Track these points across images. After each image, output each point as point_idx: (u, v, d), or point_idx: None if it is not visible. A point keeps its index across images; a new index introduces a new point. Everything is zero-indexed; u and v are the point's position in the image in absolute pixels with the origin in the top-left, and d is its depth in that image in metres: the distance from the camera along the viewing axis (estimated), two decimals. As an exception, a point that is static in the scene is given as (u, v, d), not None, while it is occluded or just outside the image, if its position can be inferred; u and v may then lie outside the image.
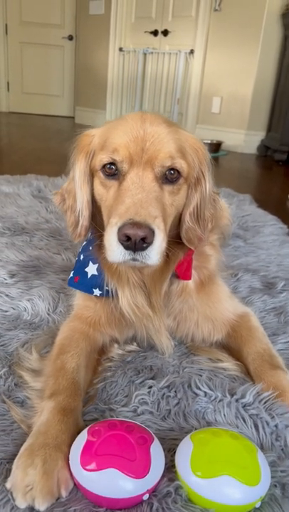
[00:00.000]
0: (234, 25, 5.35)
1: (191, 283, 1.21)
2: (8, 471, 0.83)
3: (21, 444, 0.87)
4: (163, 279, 1.12)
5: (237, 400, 1.02)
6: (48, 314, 1.43)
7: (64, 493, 0.79)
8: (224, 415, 0.98)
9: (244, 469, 0.76)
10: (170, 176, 0.99)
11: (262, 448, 0.92)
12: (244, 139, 5.61)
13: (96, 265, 1.17)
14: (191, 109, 6.06)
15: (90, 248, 1.18)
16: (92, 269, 1.18)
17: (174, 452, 0.86)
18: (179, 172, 1.00)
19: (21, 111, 7.85)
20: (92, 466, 0.77)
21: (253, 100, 5.45)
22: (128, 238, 0.88)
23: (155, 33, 6.22)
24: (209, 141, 5.34)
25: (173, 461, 0.84)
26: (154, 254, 0.92)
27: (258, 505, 0.78)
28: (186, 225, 1.09)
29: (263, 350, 1.18)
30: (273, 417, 0.97)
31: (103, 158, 1.00)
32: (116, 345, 1.24)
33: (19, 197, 2.67)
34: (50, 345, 1.22)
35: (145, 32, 6.31)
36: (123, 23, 6.52)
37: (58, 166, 3.31)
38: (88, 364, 1.12)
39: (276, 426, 0.96)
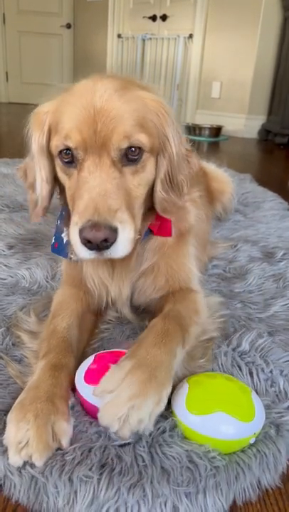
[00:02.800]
0: (233, 8, 5.29)
1: (170, 238, 1.15)
2: (6, 423, 0.83)
3: (17, 398, 0.87)
4: (132, 252, 1.00)
5: (234, 349, 1.02)
6: (47, 281, 1.43)
7: (64, 444, 0.79)
8: (221, 364, 0.98)
9: (238, 406, 0.77)
10: (131, 155, 0.92)
11: (257, 394, 0.92)
12: (244, 123, 5.58)
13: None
14: (190, 95, 6.02)
15: (63, 213, 1.14)
16: (65, 236, 1.16)
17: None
18: (140, 148, 0.92)
19: (21, 101, 7.81)
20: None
21: (253, 84, 5.41)
22: (89, 241, 0.85)
23: (153, 18, 6.17)
24: (209, 126, 5.31)
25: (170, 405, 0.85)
26: (121, 248, 0.88)
27: (252, 441, 0.79)
28: (160, 196, 1.02)
29: (179, 318, 1.02)
30: (268, 363, 0.98)
31: (58, 144, 0.93)
32: (113, 308, 1.24)
33: (18, 177, 2.65)
34: (48, 309, 1.21)
35: (144, 17, 6.25)
36: (121, 9, 6.47)
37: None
38: (82, 324, 1.11)
39: (271, 372, 0.97)
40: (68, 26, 7.57)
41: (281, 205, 2.45)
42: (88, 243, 0.86)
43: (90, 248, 0.87)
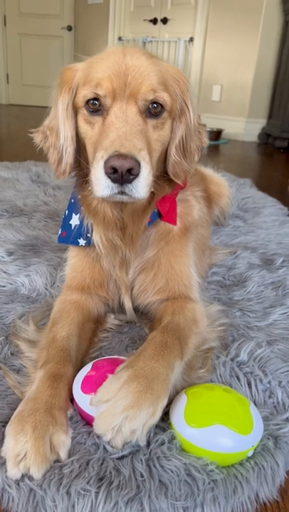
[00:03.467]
0: (234, 11, 5.30)
1: (175, 228, 1.20)
2: (4, 434, 0.83)
3: (16, 409, 0.87)
4: (144, 216, 1.11)
5: (232, 360, 1.02)
6: (46, 289, 1.43)
7: (63, 456, 0.79)
8: (220, 375, 0.98)
9: (236, 419, 0.77)
10: (153, 110, 0.99)
11: (255, 405, 0.93)
12: (244, 126, 5.58)
13: (78, 215, 1.19)
14: (191, 98, 6.01)
15: (72, 201, 1.19)
16: (75, 220, 1.20)
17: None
18: (162, 106, 1.00)
19: (21, 103, 7.82)
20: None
21: (254, 88, 5.40)
22: (115, 170, 0.88)
23: (154, 21, 6.17)
24: (209, 129, 5.31)
25: (168, 417, 0.85)
26: (141, 187, 0.92)
27: (250, 454, 0.79)
28: (173, 159, 1.09)
29: (178, 331, 1.02)
30: (267, 373, 0.98)
31: (86, 93, 0.99)
32: (112, 316, 1.24)
33: (18, 181, 2.66)
34: (47, 317, 1.21)
35: (144, 20, 6.26)
36: (122, 12, 6.47)
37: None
38: (82, 333, 1.11)
39: (269, 382, 0.97)
40: (69, 28, 7.57)
41: (281, 210, 2.45)
42: (113, 174, 0.88)
43: (114, 180, 0.89)
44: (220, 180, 2.07)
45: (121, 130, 0.92)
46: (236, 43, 5.37)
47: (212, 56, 5.69)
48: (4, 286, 1.42)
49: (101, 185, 0.92)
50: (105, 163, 0.89)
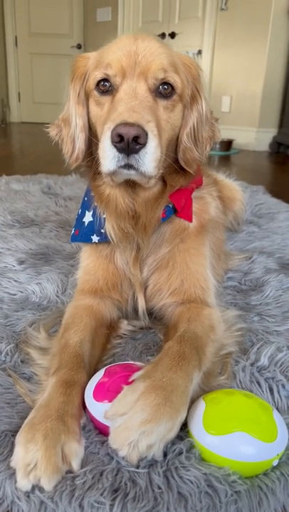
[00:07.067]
0: (241, 23, 5.33)
1: (191, 226, 1.17)
2: (14, 444, 0.79)
3: (26, 417, 0.83)
4: (157, 206, 1.07)
5: (252, 364, 0.97)
6: (57, 296, 1.39)
7: (75, 466, 0.74)
8: (240, 381, 0.93)
9: (259, 425, 0.72)
10: (164, 91, 0.98)
11: (278, 412, 0.87)
12: (255, 136, 5.56)
13: (91, 212, 1.17)
14: (200, 110, 6.03)
15: (86, 199, 1.18)
16: (88, 217, 1.18)
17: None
18: (172, 87, 0.99)
19: (33, 120, 7.93)
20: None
21: (263, 97, 5.40)
22: (121, 139, 0.86)
23: (162, 36, 6.24)
24: (220, 140, 5.29)
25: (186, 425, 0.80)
26: (149, 160, 0.90)
27: (275, 463, 0.73)
28: (184, 145, 1.07)
29: (195, 339, 0.96)
30: (290, 379, 0.92)
31: (97, 75, 0.99)
32: (125, 322, 1.20)
33: (29, 193, 2.66)
34: (58, 324, 1.18)
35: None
36: (130, 28, 6.56)
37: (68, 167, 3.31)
38: (95, 339, 1.07)
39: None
40: (79, 47, 7.71)
41: (296, 216, 2.39)
42: (119, 143, 0.87)
43: (120, 149, 0.88)
44: (232, 185, 2.04)
45: (130, 104, 0.91)
46: (245, 54, 5.39)
47: (221, 67, 5.72)
48: (15, 295, 1.39)
49: (107, 157, 0.90)
50: (112, 132, 0.87)
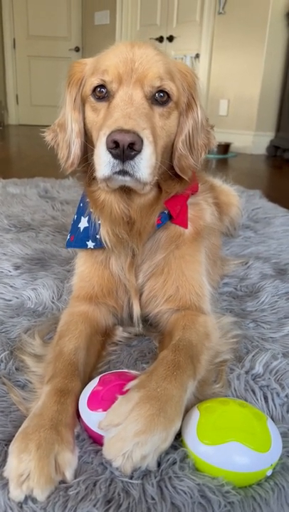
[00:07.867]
0: (239, 27, 5.35)
1: (186, 232, 1.17)
2: (7, 453, 0.78)
3: (20, 426, 0.82)
4: (152, 212, 1.08)
5: (247, 372, 0.97)
6: (53, 302, 1.39)
7: (68, 476, 0.73)
8: (234, 389, 0.93)
9: (253, 435, 0.71)
10: (160, 99, 0.99)
11: (272, 420, 0.87)
12: (252, 140, 5.57)
13: (86, 217, 1.17)
14: (198, 113, 6.05)
15: (81, 205, 1.18)
16: (83, 223, 1.18)
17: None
18: (168, 95, 0.99)
19: (30, 123, 7.94)
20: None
21: (261, 101, 5.42)
22: (116, 145, 0.87)
23: (160, 39, 6.26)
24: (218, 143, 5.31)
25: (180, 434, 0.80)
26: (144, 166, 0.90)
27: (269, 473, 0.73)
28: (179, 153, 1.07)
29: (190, 348, 0.96)
30: (284, 387, 0.92)
31: (93, 81, 1.00)
32: (120, 328, 1.20)
33: (26, 197, 2.66)
34: (53, 331, 1.17)
35: (150, 39, 6.34)
36: (128, 32, 6.58)
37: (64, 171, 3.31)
38: (90, 346, 1.07)
39: (287, 396, 0.91)
40: (77, 49, 7.72)
41: (292, 220, 2.40)
42: (114, 149, 0.87)
43: (115, 156, 0.88)
44: (229, 190, 2.04)
45: (125, 110, 0.91)
46: (242, 58, 5.41)
47: (218, 71, 5.74)
48: (10, 300, 1.39)
49: (102, 162, 0.90)
50: (107, 138, 0.87)
